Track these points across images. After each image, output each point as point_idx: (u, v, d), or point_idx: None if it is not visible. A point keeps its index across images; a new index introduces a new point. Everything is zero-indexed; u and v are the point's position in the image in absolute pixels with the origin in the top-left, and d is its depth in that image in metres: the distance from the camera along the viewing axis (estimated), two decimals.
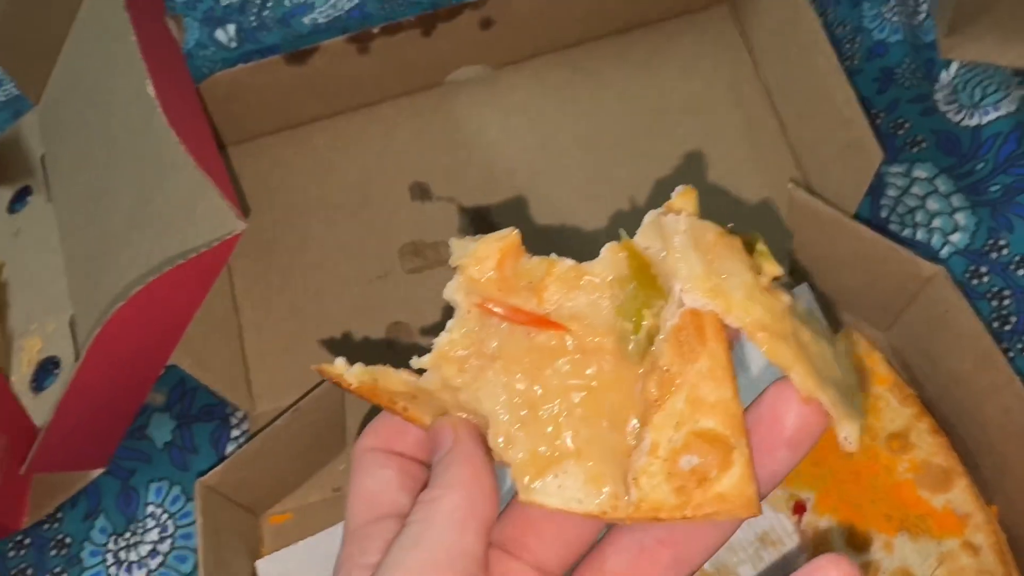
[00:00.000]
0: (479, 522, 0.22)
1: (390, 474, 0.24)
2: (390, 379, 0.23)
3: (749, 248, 0.22)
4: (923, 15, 0.53)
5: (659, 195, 0.45)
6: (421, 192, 0.50)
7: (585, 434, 0.22)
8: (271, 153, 0.53)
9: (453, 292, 0.23)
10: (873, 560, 0.36)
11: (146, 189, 0.44)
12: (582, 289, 0.22)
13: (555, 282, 0.22)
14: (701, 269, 0.21)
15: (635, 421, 0.21)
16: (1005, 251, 0.45)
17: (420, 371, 0.23)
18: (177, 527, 0.45)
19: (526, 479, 0.22)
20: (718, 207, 0.47)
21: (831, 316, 0.44)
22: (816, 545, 0.37)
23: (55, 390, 0.49)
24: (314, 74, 0.49)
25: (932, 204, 0.47)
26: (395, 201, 0.50)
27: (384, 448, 0.25)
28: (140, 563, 0.44)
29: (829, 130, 0.45)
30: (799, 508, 0.38)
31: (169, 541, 0.45)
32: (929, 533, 0.36)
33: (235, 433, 0.47)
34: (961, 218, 0.47)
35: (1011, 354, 0.43)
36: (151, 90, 0.39)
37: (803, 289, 0.44)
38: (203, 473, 0.41)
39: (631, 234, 0.22)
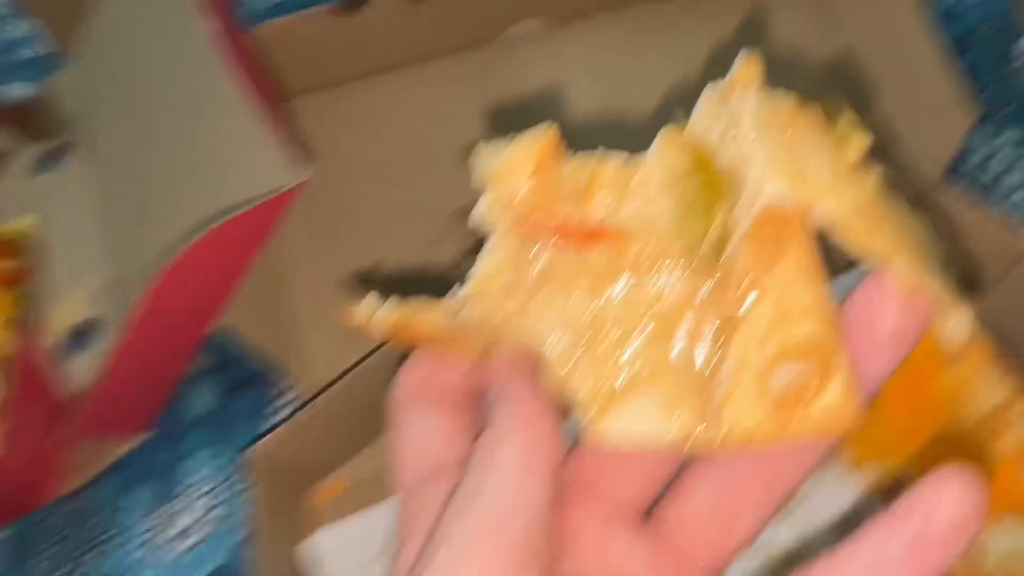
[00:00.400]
0: (544, 466, 0.20)
1: (437, 423, 0.22)
2: (430, 313, 0.20)
3: (830, 118, 0.19)
4: None
5: None
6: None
7: (655, 359, 0.19)
8: (318, 111, 0.50)
9: (488, 211, 0.20)
10: (978, 542, 0.34)
11: (193, 140, 0.42)
12: (636, 191, 0.20)
13: (604, 186, 0.20)
14: (780, 154, 0.18)
15: (714, 337, 0.19)
16: None
17: (460, 302, 0.21)
18: (223, 498, 0.43)
19: (592, 416, 0.19)
20: None
21: None
22: None
23: (96, 352, 0.47)
24: (365, 25, 0.47)
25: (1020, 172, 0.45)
26: (447, 164, 0.48)
27: (427, 388, 0.22)
28: (185, 532, 0.43)
29: (918, 92, 0.43)
30: (893, 490, 0.36)
31: (216, 510, 0.43)
32: None
33: (281, 401, 0.45)
34: None
35: None
36: (205, 29, 0.37)
37: None
38: (251, 442, 0.39)
39: (688, 115, 0.20)
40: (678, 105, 0.20)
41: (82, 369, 0.47)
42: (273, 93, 0.50)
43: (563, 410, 0.20)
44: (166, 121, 0.46)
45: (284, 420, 0.43)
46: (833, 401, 0.18)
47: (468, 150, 0.53)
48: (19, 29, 0.65)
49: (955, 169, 0.45)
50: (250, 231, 0.36)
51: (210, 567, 0.42)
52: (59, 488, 0.43)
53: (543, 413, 0.20)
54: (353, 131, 0.50)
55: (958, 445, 0.36)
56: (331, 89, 0.50)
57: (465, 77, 0.50)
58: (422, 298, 0.21)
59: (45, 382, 0.44)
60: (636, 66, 0.49)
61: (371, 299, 0.21)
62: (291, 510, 0.40)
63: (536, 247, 0.20)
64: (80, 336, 0.48)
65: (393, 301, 0.21)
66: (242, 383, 0.46)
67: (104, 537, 0.43)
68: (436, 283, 0.21)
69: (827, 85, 0.44)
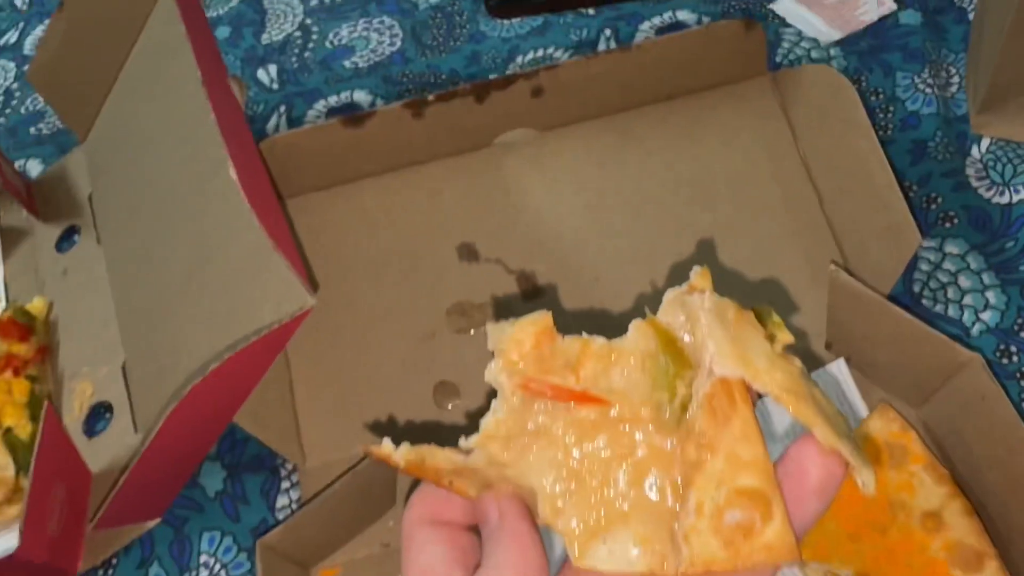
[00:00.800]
0: None
1: (442, 549, 0.26)
2: (437, 457, 0.24)
3: (760, 319, 0.24)
4: (955, 87, 0.55)
5: (694, 263, 0.47)
6: (468, 253, 0.52)
7: (630, 500, 0.23)
8: (321, 208, 0.54)
9: (496, 375, 0.24)
10: None
11: (207, 247, 0.45)
12: (616, 366, 0.24)
13: (590, 359, 0.24)
14: (728, 342, 0.23)
15: (678, 482, 0.23)
16: None
17: (466, 450, 0.25)
18: (231, 574, 0.46)
19: (577, 546, 0.23)
20: (755, 277, 0.49)
21: (866, 391, 0.46)
22: None
23: (108, 434, 0.50)
24: (369, 136, 0.50)
25: (963, 281, 0.49)
26: (443, 261, 0.52)
27: (432, 518, 0.26)
28: None
29: (868, 210, 0.47)
30: None
31: None
32: None
33: (285, 484, 0.48)
34: (992, 296, 0.48)
35: None
36: (223, 147, 0.40)
37: (840, 364, 0.46)
38: (259, 525, 0.42)
39: (654, 312, 0.25)
40: (647, 303, 0.25)
41: (95, 452, 0.50)
42: (277, 202, 0.52)
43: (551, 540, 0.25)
44: (181, 220, 0.49)
45: (288, 506, 0.47)
46: (773, 536, 0.22)
47: (462, 249, 0.57)
48: (37, 104, 0.68)
49: (905, 278, 0.49)
50: (267, 348, 0.39)
51: None
52: (76, 568, 0.46)
53: (530, 550, 0.24)
54: (353, 227, 0.53)
55: (896, 544, 0.40)
56: (334, 188, 0.54)
57: (459, 179, 0.54)
58: (431, 444, 0.25)
59: (66, 465, 0.47)
60: (614, 170, 0.53)
61: (387, 441, 0.25)
62: None
63: (534, 406, 0.24)
64: (94, 417, 0.51)
65: (406, 445, 0.25)
66: (248, 465, 0.49)
67: None
68: (446, 435, 0.25)
69: (781, 293, 0.49)
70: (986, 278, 0.49)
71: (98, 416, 0.51)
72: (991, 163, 0.52)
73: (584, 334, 0.24)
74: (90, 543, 0.47)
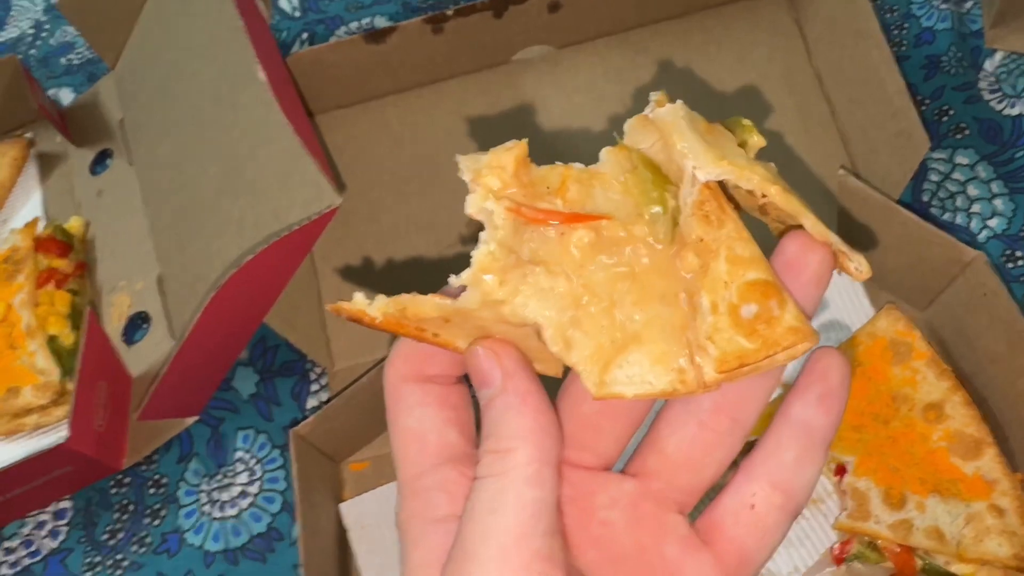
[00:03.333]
0: (553, 467, 0.22)
1: (432, 409, 0.23)
2: (421, 306, 0.22)
3: (731, 129, 0.24)
4: (970, 3, 0.55)
5: None
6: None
7: (640, 319, 0.22)
8: (346, 125, 0.56)
9: (481, 203, 0.22)
10: (907, 518, 0.40)
11: (239, 157, 0.46)
12: (597, 188, 0.23)
13: (573, 184, 0.23)
14: (706, 147, 0.22)
15: (682, 295, 0.23)
16: None
17: (456, 291, 0.22)
18: (264, 471, 0.49)
19: (594, 375, 0.22)
20: None
21: (872, 294, 0.47)
22: (855, 504, 0.41)
23: (146, 343, 0.53)
24: (390, 52, 0.52)
25: (972, 190, 0.50)
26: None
27: (417, 376, 0.24)
28: (231, 503, 0.49)
29: (879, 118, 0.48)
30: (840, 471, 0.42)
31: (257, 483, 0.49)
32: (959, 496, 0.40)
33: (314, 387, 0.51)
34: (1000, 204, 0.49)
35: None
36: (261, 73, 0.42)
37: None
38: (291, 424, 0.44)
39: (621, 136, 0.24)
40: (615, 131, 0.25)
41: (135, 358, 0.53)
42: (305, 113, 0.54)
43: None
44: (211, 135, 0.50)
45: (318, 406, 0.49)
46: (794, 319, 0.22)
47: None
48: (65, 36, 0.70)
49: (914, 188, 0.51)
50: (296, 245, 0.41)
51: (253, 532, 0.48)
52: (121, 462, 0.49)
53: (544, 416, 0.22)
54: (378, 143, 0.55)
55: (899, 434, 0.42)
56: (358, 106, 0.56)
57: (478, 95, 0.55)
58: (412, 293, 0.22)
59: (108, 367, 0.49)
60: (629, 87, 0.54)
61: (360, 295, 0.22)
62: (324, 484, 0.46)
63: (525, 235, 0.22)
64: (132, 327, 0.54)
65: (382, 297, 0.22)
66: (280, 370, 0.51)
67: (159, 505, 0.49)
68: (426, 272, 0.23)
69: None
70: (995, 187, 0.50)
71: (136, 326, 0.53)
72: (1003, 76, 0.53)
73: (559, 163, 0.23)
74: (133, 440, 0.50)
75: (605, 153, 0.23)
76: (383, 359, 0.45)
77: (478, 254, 0.22)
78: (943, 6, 0.55)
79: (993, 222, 0.49)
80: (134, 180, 0.59)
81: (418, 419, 0.24)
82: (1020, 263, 0.48)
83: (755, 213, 0.24)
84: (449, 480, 0.23)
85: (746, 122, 0.24)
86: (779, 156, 0.51)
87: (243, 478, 0.49)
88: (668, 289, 0.22)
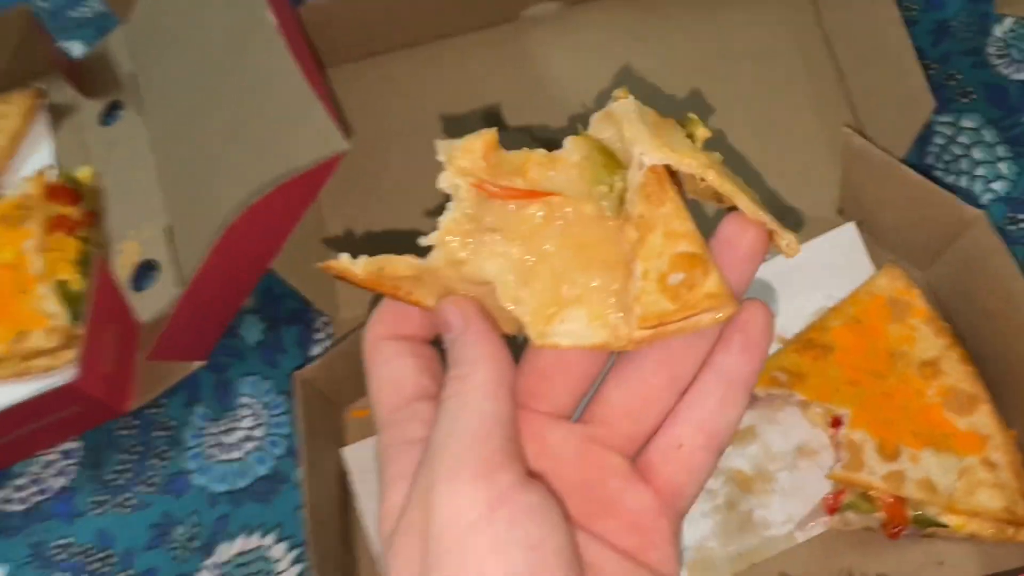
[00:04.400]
0: (507, 388, 0.25)
1: (407, 361, 0.27)
2: (395, 265, 0.26)
3: (681, 124, 0.27)
4: None
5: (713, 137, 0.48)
6: (493, 122, 0.53)
7: (581, 282, 0.26)
8: (353, 79, 0.56)
9: (451, 178, 0.26)
10: (900, 469, 0.40)
11: (248, 105, 0.47)
12: (556, 171, 0.26)
13: (534, 167, 0.26)
14: (653, 136, 0.25)
15: (624, 264, 0.26)
16: None
17: (424, 252, 0.26)
18: (270, 416, 0.50)
19: (538, 327, 0.26)
20: (774, 147, 0.51)
21: (874, 253, 0.47)
22: (849, 455, 0.41)
23: (154, 290, 0.54)
24: (399, 5, 0.52)
25: (977, 153, 0.50)
26: (470, 129, 0.54)
27: (393, 334, 0.27)
28: (236, 446, 0.49)
29: (885, 79, 0.48)
30: (836, 423, 0.42)
31: (262, 428, 0.50)
32: (952, 450, 0.41)
33: (319, 336, 0.52)
34: (1004, 167, 0.50)
35: None
36: (271, 15, 0.42)
37: (851, 228, 0.48)
38: (294, 370, 0.45)
39: (585, 127, 0.27)
40: (578, 122, 0.28)
41: (143, 305, 0.54)
42: (317, 64, 0.55)
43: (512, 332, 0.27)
44: (220, 83, 0.51)
45: (321, 353, 0.50)
46: (714, 286, 0.25)
47: (489, 121, 0.59)
48: None
49: (919, 151, 0.51)
50: (303, 190, 0.42)
51: (258, 474, 0.49)
52: (128, 405, 0.50)
53: (499, 346, 0.26)
54: (386, 98, 0.55)
55: (894, 388, 0.42)
56: (366, 60, 0.56)
57: (486, 52, 0.55)
58: (390, 254, 0.26)
59: (117, 311, 0.50)
60: (638, 45, 0.54)
61: (345, 255, 0.26)
62: (327, 428, 0.47)
63: (486, 207, 0.26)
64: (140, 275, 0.54)
65: (364, 257, 0.26)
66: (286, 319, 0.52)
67: (166, 447, 0.50)
68: (406, 241, 0.27)
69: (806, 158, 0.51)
70: (1000, 150, 0.50)
71: (144, 274, 0.54)
72: (1012, 41, 0.53)
73: (525, 148, 0.27)
74: (140, 384, 0.51)
75: (569, 141, 0.27)
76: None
77: (444, 220, 0.26)
78: None
79: (997, 185, 0.49)
80: (144, 132, 0.59)
81: (394, 368, 0.27)
82: (1022, 226, 0.48)
83: (709, 199, 0.27)
84: (422, 410, 0.26)
85: (692, 116, 0.27)
86: (784, 115, 0.52)
87: (248, 422, 0.50)
88: (611, 258, 0.26)
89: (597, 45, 0.55)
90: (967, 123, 0.51)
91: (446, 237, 0.26)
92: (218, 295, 0.46)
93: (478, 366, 0.25)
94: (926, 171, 0.50)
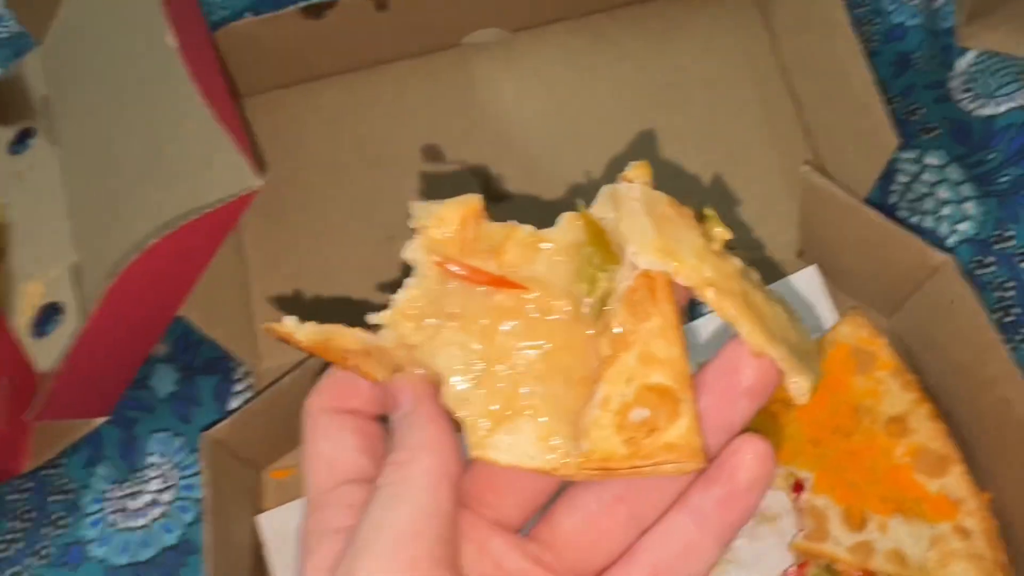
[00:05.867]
0: (450, 482, 0.22)
1: (347, 436, 0.24)
2: (343, 337, 0.23)
3: (700, 218, 0.23)
4: (942, 0, 0.53)
5: (665, 171, 0.44)
6: (433, 155, 0.50)
7: (538, 393, 0.23)
8: (282, 107, 0.52)
9: (413, 251, 0.23)
10: (868, 540, 0.37)
11: (158, 139, 0.43)
12: (540, 254, 0.23)
13: (514, 246, 0.23)
14: (652, 233, 0.22)
15: (587, 380, 0.22)
16: (1011, 242, 0.46)
17: (375, 327, 0.23)
18: (180, 478, 0.45)
19: (478, 435, 0.23)
20: (729, 183, 0.48)
21: (837, 299, 0.44)
22: (813, 523, 0.38)
23: (58, 335, 0.49)
24: (330, 29, 0.48)
25: (942, 192, 0.48)
26: (406, 163, 0.50)
27: (336, 407, 0.25)
28: (141, 512, 0.45)
29: (845, 114, 0.45)
30: (798, 487, 0.39)
31: (171, 491, 0.45)
32: (923, 516, 0.37)
33: (238, 387, 0.47)
34: (970, 207, 0.47)
35: (1011, 345, 0.43)
36: (171, 38, 0.38)
37: (812, 271, 0.45)
38: (207, 426, 0.41)
39: (589, 205, 0.24)
40: (579, 195, 0.24)
41: (46, 351, 0.49)
42: (232, 94, 0.51)
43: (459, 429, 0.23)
44: (132, 111, 0.47)
45: (238, 408, 0.45)
46: (677, 437, 0.21)
47: (426, 151, 0.55)
48: None
49: (881, 190, 0.48)
50: (213, 229, 0.38)
51: (164, 544, 0.44)
52: (22, 465, 0.45)
53: (447, 434, 0.23)
54: (314, 127, 0.52)
55: (860, 448, 0.39)
56: (296, 87, 0.52)
57: (425, 81, 0.52)
58: (339, 323, 0.23)
59: (11, 360, 0.45)
60: (586, 74, 0.51)
61: (291, 319, 0.23)
62: (241, 493, 0.43)
63: (449, 287, 0.23)
64: (44, 319, 0.50)
65: (311, 324, 0.23)
66: (202, 368, 0.48)
67: (63, 513, 0.45)
68: (357, 310, 0.24)
69: (762, 196, 0.47)
70: (965, 189, 0.47)
71: (48, 318, 0.49)
72: (975, 76, 0.50)
73: (513, 222, 0.23)
74: (37, 442, 0.46)
75: (563, 218, 0.23)
76: (308, 358, 0.42)
77: (398, 298, 0.23)
78: (913, 2, 0.53)
79: (963, 226, 0.47)
80: (56, 162, 0.55)
81: (331, 443, 0.24)
82: (990, 269, 0.45)
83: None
84: (353, 494, 0.23)
85: (710, 212, 0.23)
86: (740, 150, 0.49)
87: (155, 484, 0.45)
88: (576, 370, 0.23)
89: (543, 74, 0.51)
90: (931, 160, 0.48)
91: (399, 318, 0.23)
92: (118, 345, 0.41)
93: (421, 453, 0.23)
94: (890, 211, 0.47)
